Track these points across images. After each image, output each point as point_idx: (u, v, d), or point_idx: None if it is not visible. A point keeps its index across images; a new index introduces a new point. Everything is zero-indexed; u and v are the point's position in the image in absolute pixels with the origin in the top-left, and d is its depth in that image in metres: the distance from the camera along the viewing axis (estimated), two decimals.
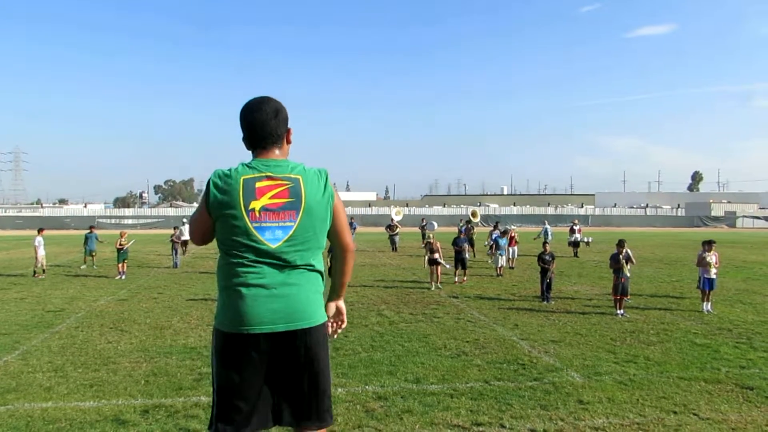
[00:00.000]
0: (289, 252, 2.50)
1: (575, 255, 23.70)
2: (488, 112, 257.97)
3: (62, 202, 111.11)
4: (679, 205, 79.35)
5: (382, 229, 36.23)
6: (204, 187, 2.63)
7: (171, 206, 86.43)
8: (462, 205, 76.58)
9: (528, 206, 77.09)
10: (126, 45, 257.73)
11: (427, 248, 14.96)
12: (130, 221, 61.35)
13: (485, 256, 22.97)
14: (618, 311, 10.73)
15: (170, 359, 7.50)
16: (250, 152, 2.70)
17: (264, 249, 2.47)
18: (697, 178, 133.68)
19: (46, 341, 8.58)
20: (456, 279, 15.49)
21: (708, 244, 11.37)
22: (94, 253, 19.60)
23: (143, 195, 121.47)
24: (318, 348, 2.57)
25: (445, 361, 7.38)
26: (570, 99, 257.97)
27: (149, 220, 62.24)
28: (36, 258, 17.18)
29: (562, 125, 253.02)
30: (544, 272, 12.56)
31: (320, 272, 2.64)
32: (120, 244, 16.95)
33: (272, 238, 2.49)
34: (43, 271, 17.18)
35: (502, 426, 5.14)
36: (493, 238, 18.17)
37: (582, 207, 76.66)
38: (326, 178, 2.63)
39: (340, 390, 6.15)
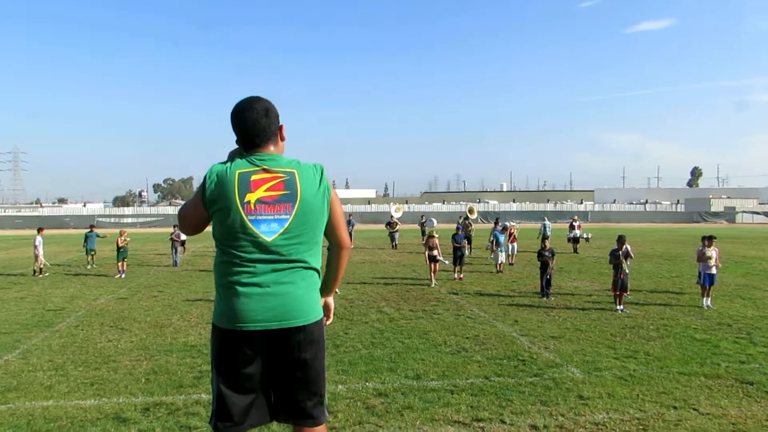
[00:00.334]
0: (284, 245, 2.50)
1: (575, 251, 23.71)
2: (487, 109, 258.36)
3: (61, 201, 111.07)
4: (678, 200, 79.30)
5: (382, 227, 36.27)
6: (198, 178, 2.63)
7: (170, 205, 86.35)
8: (461, 202, 76.52)
9: (527, 202, 77.04)
10: (125, 44, 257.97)
11: (426, 245, 14.97)
12: (129, 220, 61.36)
13: (485, 252, 22.99)
14: (618, 307, 10.73)
15: (170, 357, 7.51)
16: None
17: (260, 242, 2.48)
18: (696, 173, 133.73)
19: (47, 340, 8.59)
20: (455, 276, 15.51)
21: (708, 240, 11.37)
22: (93, 252, 19.59)
23: (142, 194, 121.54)
24: (312, 345, 2.58)
25: (445, 358, 7.39)
26: (570, 95, 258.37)
27: (149, 219, 62.24)
28: (36, 257, 17.21)
29: (561, 121, 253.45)
30: (543, 268, 12.56)
31: (316, 269, 2.64)
32: (120, 243, 16.95)
33: (268, 231, 2.49)
34: (41, 270, 17.18)
35: (503, 422, 5.15)
36: (494, 234, 18.18)
37: (581, 203, 76.64)
38: (321, 173, 2.64)
39: (340, 387, 6.16)
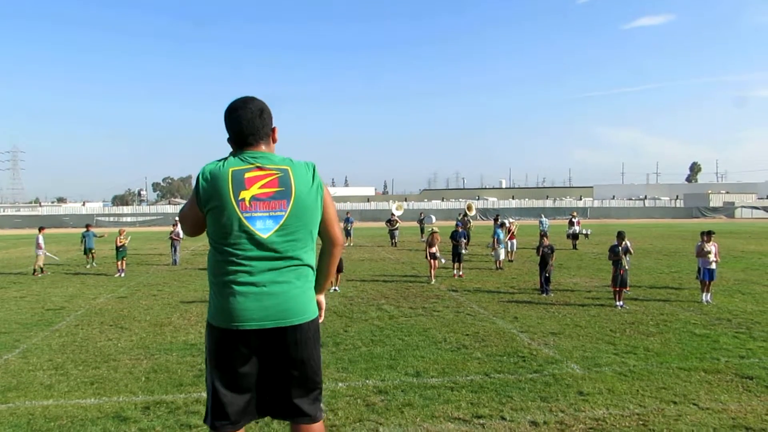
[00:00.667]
0: (280, 242, 2.50)
1: (574, 247, 23.72)
2: (486, 106, 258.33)
3: (61, 200, 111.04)
4: (677, 196, 79.37)
5: (381, 224, 36.29)
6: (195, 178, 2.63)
7: (169, 203, 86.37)
8: (461, 199, 76.55)
9: (527, 199, 77.09)
10: (125, 43, 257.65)
11: (428, 242, 14.98)
12: (128, 219, 61.28)
13: (485, 249, 23.00)
14: (617, 303, 10.74)
15: (170, 356, 7.51)
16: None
17: (256, 239, 2.47)
18: (695, 168, 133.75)
19: (47, 339, 8.58)
20: (455, 273, 15.51)
21: (707, 235, 11.37)
22: (92, 251, 19.57)
23: (142, 193, 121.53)
24: (308, 343, 2.58)
25: (445, 355, 7.39)
26: (569, 91, 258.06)
27: (148, 218, 62.15)
28: (38, 257, 17.23)
29: (560, 117, 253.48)
30: (543, 265, 12.56)
31: (311, 266, 2.64)
32: (119, 242, 16.94)
33: (263, 228, 2.49)
34: (42, 270, 17.17)
35: (503, 418, 5.15)
36: (495, 231, 18.19)
37: (581, 199, 76.65)
38: (314, 170, 2.65)
39: (340, 384, 6.17)
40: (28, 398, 5.88)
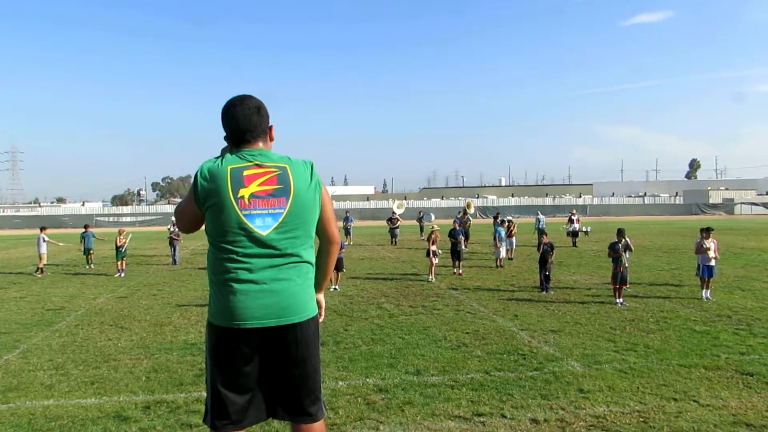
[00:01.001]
0: (279, 239, 2.50)
1: (574, 245, 23.71)
2: (486, 104, 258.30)
3: (60, 200, 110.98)
4: (677, 193, 79.35)
5: (381, 223, 36.25)
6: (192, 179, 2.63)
7: (169, 203, 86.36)
8: (460, 197, 76.51)
9: (526, 197, 77.05)
10: (124, 43, 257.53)
11: (429, 239, 15.01)
12: (128, 219, 61.23)
13: (484, 247, 23.01)
14: (617, 300, 10.74)
15: (171, 355, 7.51)
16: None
17: (255, 236, 2.47)
18: (694, 165, 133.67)
19: (47, 339, 8.58)
20: (455, 271, 15.52)
21: (705, 231, 11.37)
22: (92, 252, 19.55)
23: (141, 192, 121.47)
24: (309, 341, 2.57)
25: (445, 353, 7.39)
26: (568, 89, 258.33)
27: (147, 218, 62.08)
28: (40, 256, 17.22)
29: (559, 115, 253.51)
30: (543, 262, 12.56)
31: (310, 263, 2.64)
32: (119, 242, 16.94)
33: (262, 225, 2.48)
34: (42, 270, 17.16)
35: (503, 416, 5.15)
36: (495, 230, 18.19)
37: (580, 197, 76.66)
38: (312, 168, 2.65)
39: (341, 383, 6.17)
40: (28, 398, 5.88)
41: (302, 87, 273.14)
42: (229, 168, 2.51)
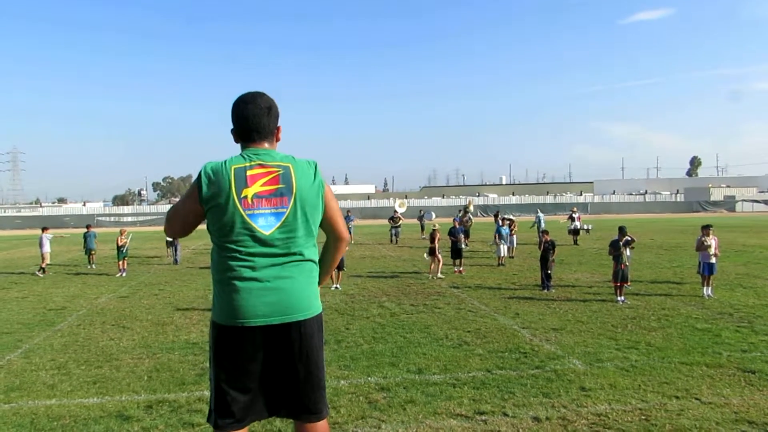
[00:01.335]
0: (282, 238, 2.51)
1: (575, 243, 23.70)
2: (486, 102, 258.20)
3: (61, 201, 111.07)
4: (678, 190, 79.36)
5: (382, 222, 36.25)
6: (193, 180, 2.64)
7: (170, 203, 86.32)
8: (461, 196, 76.55)
9: (527, 195, 77.02)
10: (124, 43, 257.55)
11: (430, 238, 15.02)
12: (129, 219, 61.28)
13: (485, 246, 23.00)
14: (618, 298, 10.74)
15: (173, 355, 7.52)
16: (238, 145, 2.71)
17: (258, 236, 2.48)
18: (695, 163, 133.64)
19: (49, 339, 8.59)
20: (455, 269, 15.52)
21: (706, 229, 11.36)
22: (93, 252, 19.57)
23: (142, 192, 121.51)
24: (313, 340, 2.58)
25: (446, 351, 7.39)
26: (568, 87, 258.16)
27: (148, 218, 62.12)
28: (42, 256, 17.24)
29: (559, 113, 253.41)
30: (544, 261, 12.55)
31: (314, 261, 2.65)
32: (120, 242, 16.95)
33: (265, 225, 2.50)
34: (44, 270, 17.17)
35: (505, 414, 5.15)
36: (497, 228, 18.20)
37: (581, 195, 76.64)
38: (315, 168, 2.65)
39: (342, 382, 6.17)
40: (31, 398, 5.89)
41: (303, 86, 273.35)
42: (233, 168, 2.52)
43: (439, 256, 14.65)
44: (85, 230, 19.88)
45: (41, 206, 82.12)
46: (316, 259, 2.68)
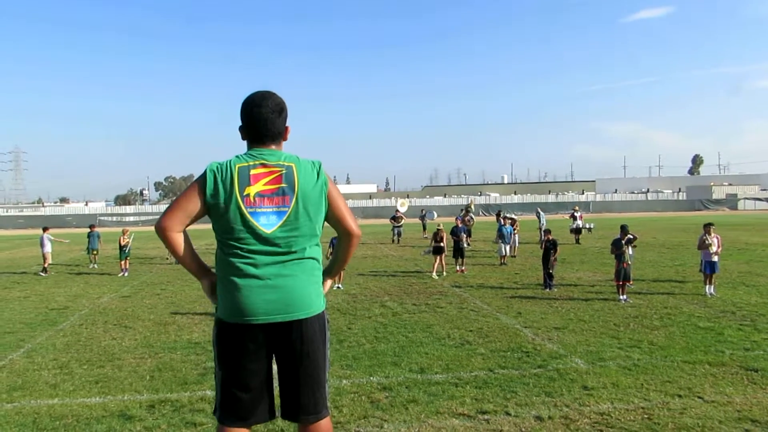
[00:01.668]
0: (283, 237, 2.52)
1: (577, 242, 23.68)
2: (487, 101, 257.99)
3: (63, 200, 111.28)
4: (680, 188, 79.17)
5: (383, 221, 36.25)
6: (197, 176, 2.65)
7: None
8: (462, 195, 76.50)
9: (529, 194, 76.95)
10: (124, 43, 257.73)
11: (433, 237, 15.01)
12: (131, 218, 61.37)
13: (486, 245, 22.98)
14: (621, 297, 10.72)
15: (175, 354, 7.52)
16: (245, 142, 2.73)
17: (259, 234, 2.50)
18: (697, 161, 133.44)
19: (51, 339, 8.60)
20: (457, 268, 15.51)
21: (707, 227, 11.33)
22: (95, 252, 19.58)
23: (144, 192, 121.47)
24: (315, 339, 2.59)
25: (449, 351, 7.38)
26: (569, 86, 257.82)
27: (150, 217, 62.18)
28: (44, 256, 17.26)
29: (561, 112, 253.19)
30: (546, 260, 12.53)
31: (316, 259, 2.65)
32: (122, 241, 16.96)
33: (267, 223, 2.51)
34: (46, 270, 17.20)
35: (508, 413, 5.15)
36: (498, 228, 18.19)
37: (583, 194, 76.50)
38: (319, 168, 2.66)
39: (344, 381, 6.17)
40: (33, 397, 5.89)
41: (303, 86, 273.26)
42: (237, 167, 2.54)
43: (437, 257, 14.62)
44: (89, 230, 19.90)
45: (44, 206, 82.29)
46: (319, 257, 2.69)
